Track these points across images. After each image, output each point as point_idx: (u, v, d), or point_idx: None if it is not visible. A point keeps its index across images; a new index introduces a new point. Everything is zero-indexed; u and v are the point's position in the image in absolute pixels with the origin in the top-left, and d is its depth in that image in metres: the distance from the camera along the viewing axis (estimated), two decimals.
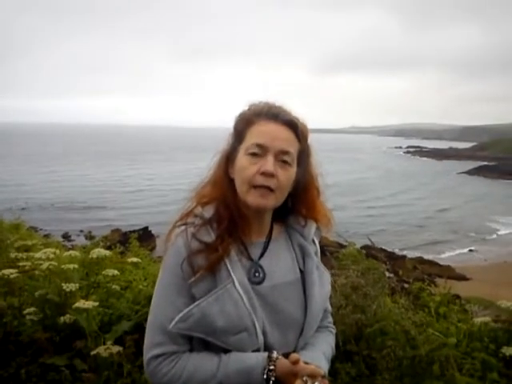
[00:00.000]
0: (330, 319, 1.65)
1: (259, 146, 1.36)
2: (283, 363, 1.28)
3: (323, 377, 1.30)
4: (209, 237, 1.36)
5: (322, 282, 1.50)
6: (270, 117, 1.39)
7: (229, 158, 1.43)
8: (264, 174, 1.34)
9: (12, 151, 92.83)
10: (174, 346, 1.32)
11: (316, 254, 1.55)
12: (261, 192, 1.35)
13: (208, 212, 1.40)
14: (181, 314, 1.29)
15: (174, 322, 1.29)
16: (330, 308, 1.64)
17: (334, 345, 1.59)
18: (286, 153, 1.37)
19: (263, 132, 1.37)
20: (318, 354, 1.43)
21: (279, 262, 1.46)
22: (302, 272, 1.49)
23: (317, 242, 1.58)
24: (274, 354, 1.29)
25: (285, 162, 1.37)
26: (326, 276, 1.55)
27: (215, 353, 1.32)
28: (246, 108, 1.45)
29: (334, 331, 1.64)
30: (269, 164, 1.34)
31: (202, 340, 1.32)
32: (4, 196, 40.56)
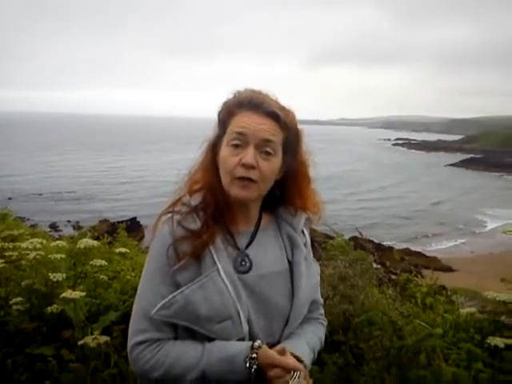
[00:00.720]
0: (322, 311, 1.65)
1: (240, 135, 1.34)
2: (266, 352, 1.28)
3: (305, 367, 1.33)
4: (194, 224, 1.36)
5: (309, 274, 1.50)
6: (251, 107, 1.37)
7: (214, 147, 1.43)
8: (244, 165, 1.33)
9: (2, 140, 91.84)
10: (158, 333, 1.32)
11: (305, 244, 1.55)
12: (242, 183, 1.35)
13: (195, 200, 1.40)
14: (164, 301, 1.29)
15: (156, 309, 1.29)
16: (321, 300, 1.64)
17: (322, 336, 1.60)
18: (267, 142, 1.36)
19: (244, 122, 1.35)
20: (301, 344, 1.43)
21: (267, 252, 1.45)
22: (290, 263, 1.49)
23: (307, 233, 1.58)
24: (257, 343, 1.29)
25: (267, 152, 1.36)
26: (315, 267, 1.55)
27: (200, 341, 1.32)
28: (231, 96, 1.43)
29: (325, 323, 1.64)
30: (249, 156, 1.33)
31: (186, 328, 1.32)
32: None
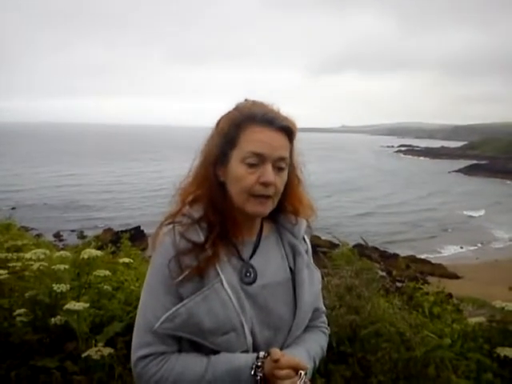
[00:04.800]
0: (324, 319, 1.63)
1: (257, 155, 1.32)
2: (270, 362, 1.26)
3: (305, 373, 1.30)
4: (197, 237, 1.33)
5: (311, 281, 1.49)
6: (265, 122, 1.33)
7: (217, 160, 1.38)
8: (264, 184, 1.31)
9: (6, 151, 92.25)
10: (162, 347, 1.30)
11: (307, 252, 1.53)
12: (260, 200, 1.33)
13: (196, 212, 1.37)
14: (167, 314, 1.27)
15: (159, 322, 1.27)
16: (323, 308, 1.62)
17: (325, 345, 1.57)
18: (282, 159, 1.35)
19: (260, 140, 1.32)
20: (300, 351, 1.41)
21: (270, 262, 1.44)
22: (291, 271, 1.47)
23: (308, 240, 1.56)
24: (262, 354, 1.28)
25: (280, 168, 1.35)
26: (317, 275, 1.54)
27: (204, 354, 1.30)
28: (233, 109, 1.40)
29: (328, 332, 1.62)
30: (269, 174, 1.31)
31: (190, 341, 1.30)
32: None
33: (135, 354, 1.32)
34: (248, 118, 1.35)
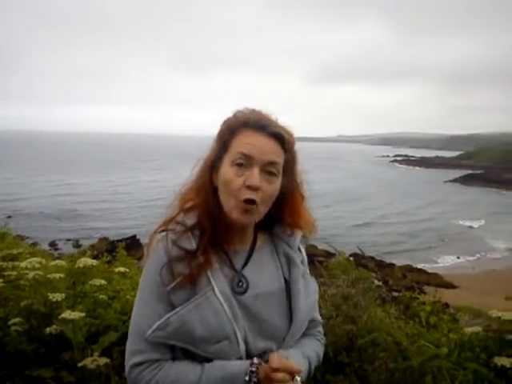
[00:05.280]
0: (320, 329, 1.63)
1: (245, 156, 1.32)
2: (265, 367, 1.27)
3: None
4: (190, 244, 1.33)
5: (307, 291, 1.48)
6: (257, 127, 1.35)
7: (213, 166, 1.39)
8: (250, 187, 1.31)
9: (2, 159, 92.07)
10: (156, 354, 1.30)
11: (302, 262, 1.53)
12: (245, 207, 1.32)
13: (190, 219, 1.37)
14: (159, 322, 1.27)
15: (151, 330, 1.27)
16: (319, 318, 1.62)
17: (320, 353, 1.57)
18: (272, 164, 1.34)
19: (249, 143, 1.33)
20: (295, 352, 1.41)
21: (263, 272, 1.44)
22: (286, 281, 1.47)
23: (303, 250, 1.56)
24: (256, 360, 1.29)
25: (271, 173, 1.34)
26: (313, 285, 1.54)
27: (198, 361, 1.30)
28: (232, 115, 1.42)
29: (324, 342, 1.62)
30: (254, 177, 1.31)
31: (183, 349, 1.30)
32: None
33: (129, 361, 1.32)
34: (242, 123, 1.37)
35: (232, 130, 1.38)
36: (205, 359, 1.29)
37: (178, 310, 1.27)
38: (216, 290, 1.30)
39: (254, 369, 1.26)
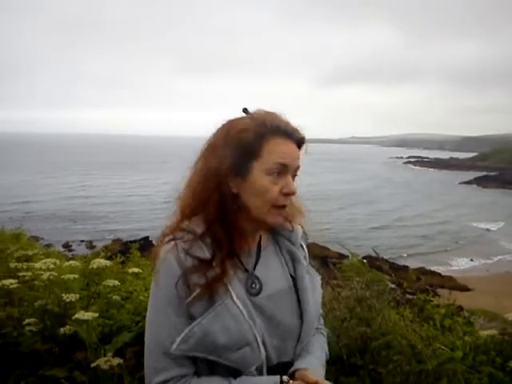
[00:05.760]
0: (321, 321, 1.64)
1: (282, 165, 1.33)
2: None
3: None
4: (203, 253, 1.31)
5: (314, 287, 1.49)
6: (286, 134, 1.35)
7: (231, 172, 1.33)
8: (287, 194, 1.34)
9: (15, 161, 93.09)
10: (179, 370, 1.28)
11: (305, 258, 1.53)
12: (280, 211, 1.35)
13: (198, 226, 1.34)
14: (182, 335, 1.25)
15: (175, 345, 1.25)
16: (320, 310, 1.61)
17: (326, 348, 1.59)
18: (298, 168, 1.38)
19: (284, 152, 1.33)
20: (315, 361, 1.42)
21: (271, 270, 1.43)
22: (293, 278, 1.47)
23: (305, 247, 1.56)
24: (285, 378, 1.28)
25: (295, 176, 1.38)
26: (317, 279, 1.54)
27: (224, 376, 1.28)
28: (248, 118, 1.37)
29: (325, 333, 1.64)
30: (292, 185, 1.34)
31: (205, 360, 1.28)
32: (6, 206, 40.63)
33: (153, 380, 1.29)
34: (271, 130, 1.34)
35: (261, 136, 1.33)
36: (227, 369, 1.28)
37: (199, 320, 1.25)
38: (234, 296, 1.29)
39: None
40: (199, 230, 1.34)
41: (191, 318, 1.27)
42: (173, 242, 1.33)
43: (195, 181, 1.39)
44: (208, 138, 1.42)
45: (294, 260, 1.49)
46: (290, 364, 1.38)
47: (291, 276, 1.47)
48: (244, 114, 1.41)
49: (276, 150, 1.33)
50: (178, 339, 1.25)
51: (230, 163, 1.33)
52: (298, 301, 1.44)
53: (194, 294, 1.27)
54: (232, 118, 1.41)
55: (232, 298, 1.29)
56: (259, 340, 1.29)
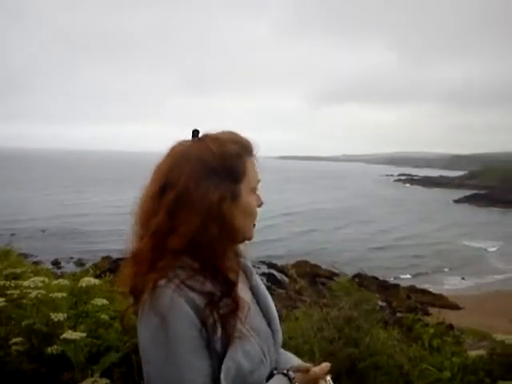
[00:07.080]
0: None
1: (259, 181, 1.40)
2: (301, 376, 1.33)
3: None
4: (205, 286, 1.24)
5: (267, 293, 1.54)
6: (254, 151, 1.40)
7: (225, 200, 1.28)
8: (259, 206, 1.39)
9: (5, 175, 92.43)
10: None
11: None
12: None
13: (193, 262, 1.27)
14: (222, 375, 1.18)
15: None
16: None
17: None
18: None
19: (257, 168, 1.40)
20: (291, 355, 1.53)
21: (242, 287, 1.43)
22: (252, 291, 1.49)
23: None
24: (291, 374, 1.31)
25: None
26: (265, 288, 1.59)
27: None
28: (228, 143, 1.33)
29: None
30: (261, 196, 1.40)
31: None
32: None
33: None
34: (247, 150, 1.38)
35: (241, 158, 1.34)
36: None
37: (229, 353, 1.21)
38: (242, 319, 1.27)
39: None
40: (196, 264, 1.27)
41: (214, 353, 1.21)
42: (172, 284, 1.21)
43: (174, 212, 1.27)
44: (168, 170, 1.33)
45: (246, 272, 1.51)
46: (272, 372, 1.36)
47: (250, 288, 1.48)
48: (196, 136, 1.36)
49: (254, 169, 1.38)
50: (223, 379, 1.18)
51: (223, 192, 1.29)
52: (260, 307, 1.45)
53: (217, 333, 1.21)
54: (193, 144, 1.34)
55: (241, 321, 1.27)
56: (266, 352, 1.32)
